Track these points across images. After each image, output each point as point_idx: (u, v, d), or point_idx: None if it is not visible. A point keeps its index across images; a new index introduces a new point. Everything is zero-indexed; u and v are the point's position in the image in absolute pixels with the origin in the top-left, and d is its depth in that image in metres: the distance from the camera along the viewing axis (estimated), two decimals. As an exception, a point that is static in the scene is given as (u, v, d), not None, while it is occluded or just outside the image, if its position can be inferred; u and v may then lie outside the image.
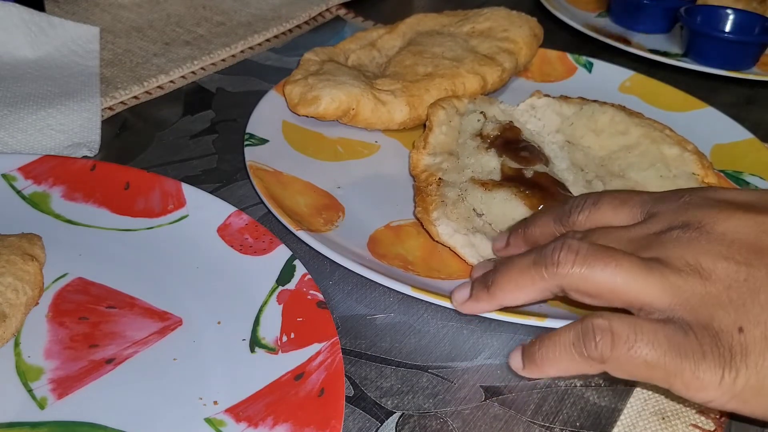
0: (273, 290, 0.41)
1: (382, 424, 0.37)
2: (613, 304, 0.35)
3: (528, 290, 0.37)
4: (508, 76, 0.62)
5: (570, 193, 0.49)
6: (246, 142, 0.52)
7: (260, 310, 0.40)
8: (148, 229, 0.45)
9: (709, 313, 0.33)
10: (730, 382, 0.31)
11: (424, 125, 0.55)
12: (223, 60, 0.68)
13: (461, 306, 0.40)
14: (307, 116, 0.56)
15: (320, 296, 0.40)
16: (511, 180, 0.49)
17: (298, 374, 0.36)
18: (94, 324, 0.39)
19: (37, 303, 0.39)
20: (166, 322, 0.39)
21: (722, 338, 0.32)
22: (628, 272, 0.34)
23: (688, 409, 0.39)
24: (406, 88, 0.57)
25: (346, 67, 0.61)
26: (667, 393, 0.40)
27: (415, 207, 0.48)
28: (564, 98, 0.58)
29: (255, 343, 0.39)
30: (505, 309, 0.41)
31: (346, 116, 0.56)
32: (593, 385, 0.40)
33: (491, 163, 0.51)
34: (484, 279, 0.39)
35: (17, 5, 0.63)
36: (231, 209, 0.46)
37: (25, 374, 0.36)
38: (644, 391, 0.40)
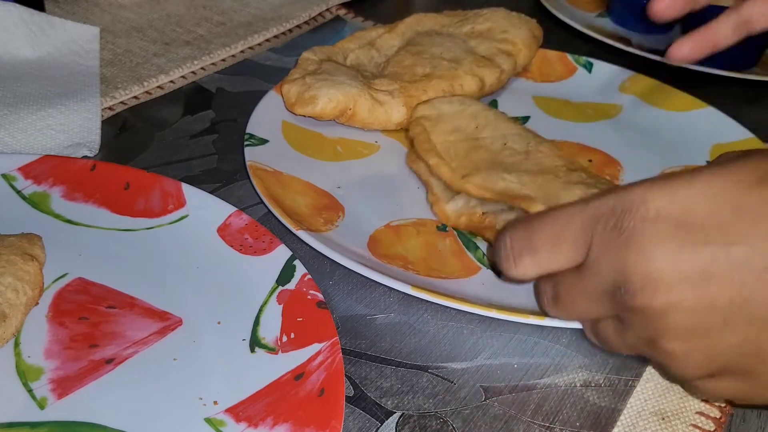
0: (273, 290, 0.41)
1: (382, 424, 0.37)
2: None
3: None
4: (506, 78, 0.62)
5: None
6: (246, 142, 0.52)
7: (260, 310, 0.40)
8: (148, 229, 0.45)
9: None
10: None
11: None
12: (223, 60, 0.68)
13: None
14: (304, 116, 0.56)
15: (320, 296, 0.40)
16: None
17: (298, 374, 0.36)
18: (94, 324, 0.39)
19: (37, 303, 0.39)
20: (166, 322, 0.39)
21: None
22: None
23: (688, 409, 0.39)
24: (404, 88, 0.57)
25: (344, 66, 0.61)
26: (667, 393, 0.40)
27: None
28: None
29: (255, 343, 0.39)
30: (504, 309, 0.41)
31: (343, 116, 0.56)
32: (593, 385, 0.40)
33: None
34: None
35: (17, 5, 0.63)
36: (231, 209, 0.46)
37: (25, 374, 0.36)
38: (644, 391, 0.40)
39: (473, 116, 0.53)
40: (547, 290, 0.37)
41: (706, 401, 0.39)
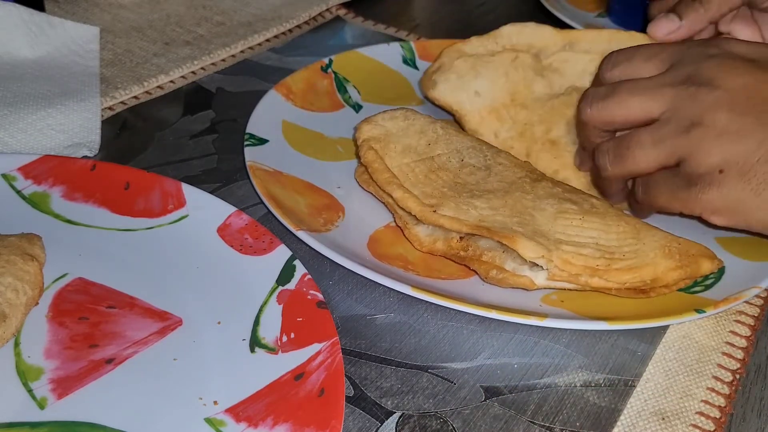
0: (273, 290, 0.41)
1: (382, 424, 0.37)
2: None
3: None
4: None
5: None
6: (246, 142, 0.52)
7: (260, 310, 0.40)
8: (148, 229, 0.45)
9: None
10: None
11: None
12: (223, 60, 0.68)
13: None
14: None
15: (320, 296, 0.40)
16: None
17: (298, 374, 0.36)
18: (94, 324, 0.39)
19: (37, 303, 0.39)
20: (166, 322, 0.39)
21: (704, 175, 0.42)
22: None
23: (688, 409, 0.39)
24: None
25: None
26: (667, 393, 0.40)
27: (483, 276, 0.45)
28: None
29: (255, 343, 0.39)
30: (504, 309, 0.41)
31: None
32: (593, 385, 0.40)
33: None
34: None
35: (17, 5, 0.63)
36: (231, 209, 0.46)
37: (25, 374, 0.36)
38: (644, 391, 0.40)
39: (421, 132, 0.51)
40: (610, 149, 0.46)
41: (705, 401, 0.39)
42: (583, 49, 0.58)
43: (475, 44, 0.60)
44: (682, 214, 0.46)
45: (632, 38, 0.56)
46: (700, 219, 0.45)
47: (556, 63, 0.59)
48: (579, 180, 0.53)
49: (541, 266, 0.42)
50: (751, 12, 0.54)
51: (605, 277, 0.43)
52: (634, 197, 0.48)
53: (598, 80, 0.49)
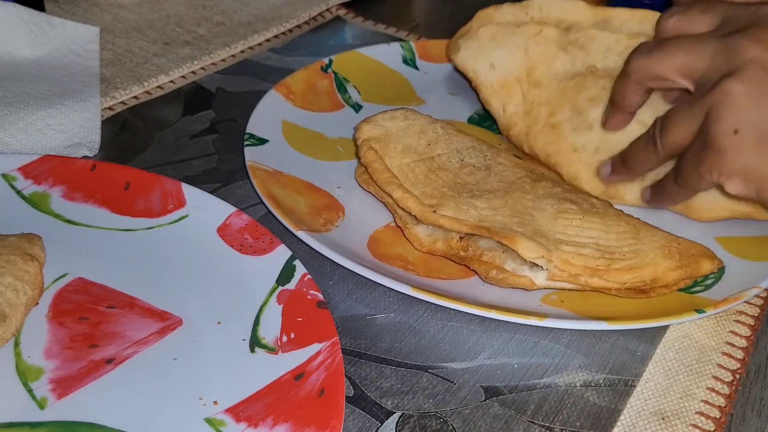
0: (273, 290, 0.41)
1: (382, 424, 0.37)
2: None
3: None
4: None
5: None
6: (246, 142, 0.52)
7: (260, 310, 0.40)
8: (148, 229, 0.45)
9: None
10: None
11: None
12: (223, 60, 0.68)
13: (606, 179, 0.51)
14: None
15: (320, 296, 0.40)
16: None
17: (298, 374, 0.36)
18: (94, 324, 0.39)
19: (37, 303, 0.39)
20: (166, 322, 0.39)
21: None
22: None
23: (688, 409, 0.39)
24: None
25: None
26: (667, 393, 0.40)
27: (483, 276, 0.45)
28: None
29: (255, 343, 0.39)
30: (504, 309, 0.41)
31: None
32: (593, 385, 0.40)
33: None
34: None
35: (17, 5, 0.63)
36: (231, 209, 0.46)
37: (25, 374, 0.36)
38: (644, 391, 0.40)
39: (421, 132, 0.51)
40: (657, 124, 0.46)
41: (705, 401, 0.39)
42: (613, 28, 0.57)
43: (505, 11, 0.61)
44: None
45: None
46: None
47: (582, 39, 0.58)
48: (569, 168, 0.53)
49: (541, 266, 0.42)
50: None
51: (605, 277, 0.43)
52: (670, 180, 0.48)
53: (657, 30, 0.49)
